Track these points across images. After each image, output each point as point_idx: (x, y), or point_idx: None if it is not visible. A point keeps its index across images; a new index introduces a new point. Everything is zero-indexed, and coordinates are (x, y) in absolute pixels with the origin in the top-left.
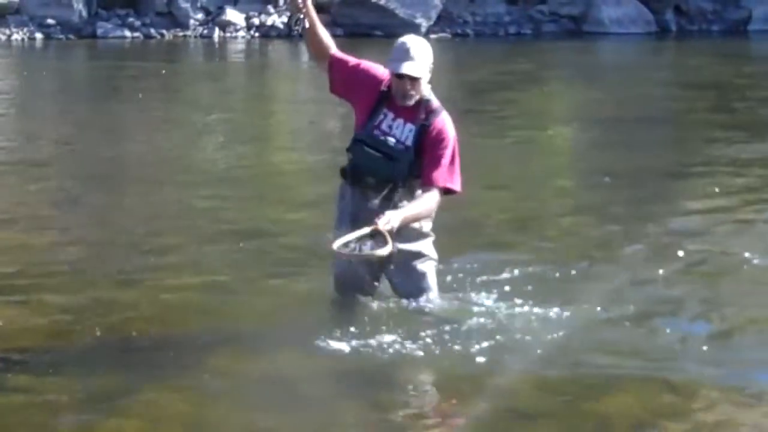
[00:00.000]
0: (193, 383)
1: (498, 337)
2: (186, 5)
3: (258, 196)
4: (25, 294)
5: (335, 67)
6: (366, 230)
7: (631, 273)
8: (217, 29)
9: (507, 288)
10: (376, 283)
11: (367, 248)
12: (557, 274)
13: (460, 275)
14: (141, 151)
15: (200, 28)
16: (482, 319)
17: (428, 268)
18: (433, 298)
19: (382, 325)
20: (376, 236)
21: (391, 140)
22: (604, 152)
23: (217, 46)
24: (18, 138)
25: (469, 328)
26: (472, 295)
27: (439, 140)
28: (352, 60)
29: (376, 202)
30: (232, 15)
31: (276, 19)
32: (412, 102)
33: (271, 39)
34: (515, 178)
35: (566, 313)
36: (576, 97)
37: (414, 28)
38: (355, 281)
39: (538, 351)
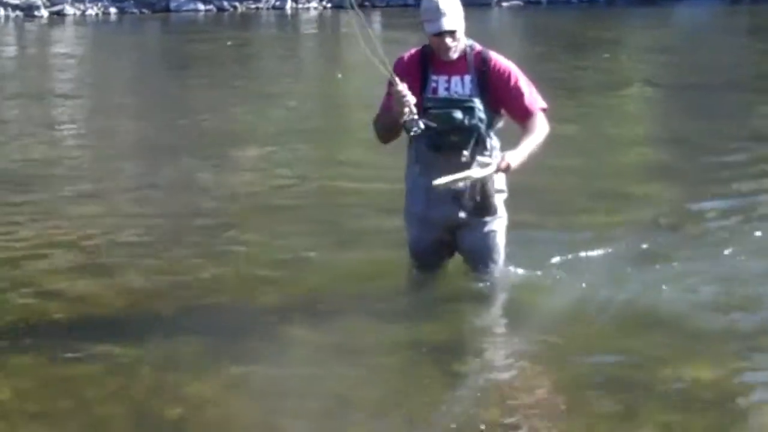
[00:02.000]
0: (266, 354)
1: (562, 311)
2: None
3: (330, 162)
4: (102, 266)
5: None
6: (466, 174)
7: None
8: (289, 1)
9: (576, 261)
10: (448, 249)
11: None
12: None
13: (532, 244)
14: (213, 123)
15: (273, 0)
16: (543, 295)
17: (498, 226)
18: (497, 263)
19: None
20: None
21: (456, 94)
22: (678, 118)
23: (289, 17)
24: (95, 115)
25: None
26: (539, 267)
27: (505, 76)
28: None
29: (464, 159)
30: None
31: None
32: (456, 54)
33: (345, 9)
34: (587, 146)
35: (642, 294)
36: (650, 64)
37: None
38: (427, 248)
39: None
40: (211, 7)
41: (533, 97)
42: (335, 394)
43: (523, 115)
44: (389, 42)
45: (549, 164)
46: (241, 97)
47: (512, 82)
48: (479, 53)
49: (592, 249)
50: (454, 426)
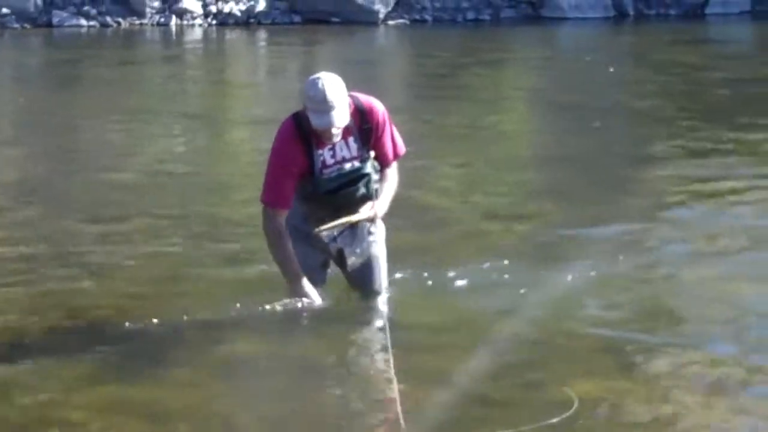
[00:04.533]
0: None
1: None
2: None
3: (210, 185)
4: None
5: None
6: (346, 219)
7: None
8: (174, 17)
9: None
10: (327, 270)
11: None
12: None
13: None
14: (91, 140)
15: (156, 17)
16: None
17: (380, 251)
18: (382, 286)
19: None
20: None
21: (347, 166)
22: (555, 137)
23: (173, 34)
24: None
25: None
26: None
27: (382, 126)
28: (279, 185)
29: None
30: (189, 3)
31: (233, 7)
32: (339, 137)
33: (229, 26)
34: (468, 164)
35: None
36: (530, 83)
37: (371, 15)
38: (309, 269)
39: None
40: (94, 23)
41: (398, 145)
42: (216, 414)
43: (387, 163)
44: (275, 60)
45: (435, 184)
46: (121, 116)
47: (386, 132)
48: (355, 110)
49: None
50: None
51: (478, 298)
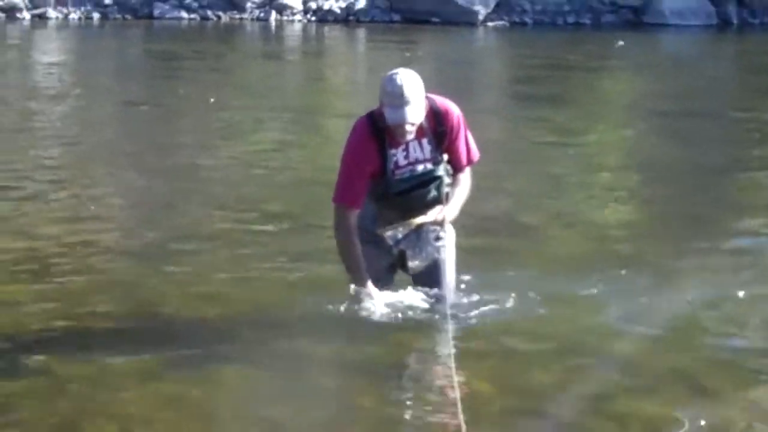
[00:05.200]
0: (209, 372)
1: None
2: None
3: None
4: (45, 275)
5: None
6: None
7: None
8: (274, 12)
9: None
10: (394, 274)
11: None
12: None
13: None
14: (188, 137)
15: (257, 11)
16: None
17: (448, 255)
18: (449, 290)
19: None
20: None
21: (419, 167)
22: (657, 146)
23: (273, 29)
24: (76, 122)
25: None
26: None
27: (456, 130)
28: (352, 184)
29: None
30: None
31: (333, 3)
32: (413, 135)
33: (328, 23)
34: (560, 173)
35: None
36: (632, 89)
37: (471, 16)
38: (375, 272)
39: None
40: (194, 15)
41: (472, 150)
42: (271, 416)
43: (460, 167)
44: (372, 59)
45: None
46: (218, 108)
47: (461, 136)
48: (430, 111)
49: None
50: None
51: (577, 309)
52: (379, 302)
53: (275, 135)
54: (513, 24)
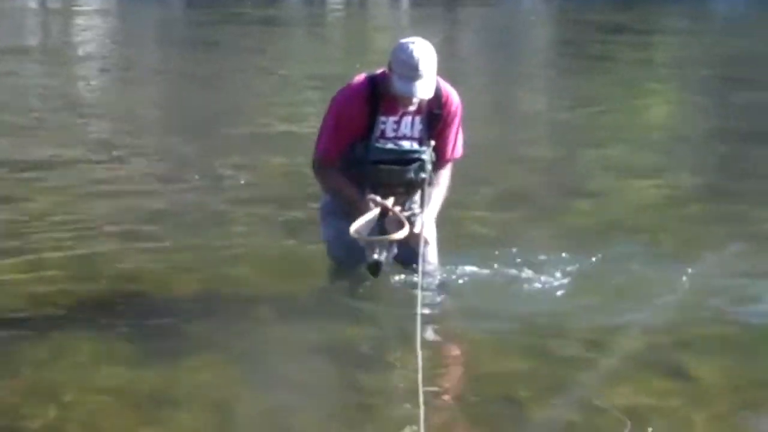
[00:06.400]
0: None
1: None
2: None
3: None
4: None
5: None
6: (375, 213)
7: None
8: None
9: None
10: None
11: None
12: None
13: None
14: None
15: None
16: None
17: (430, 234)
18: (433, 268)
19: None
20: (387, 216)
21: (405, 144)
22: (699, 116)
23: None
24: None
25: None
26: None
27: (453, 118)
28: (332, 140)
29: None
30: None
31: None
32: (416, 106)
33: None
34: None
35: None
36: (682, 54)
37: None
38: (349, 246)
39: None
40: None
41: (458, 146)
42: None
43: (441, 158)
44: (417, 21)
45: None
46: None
47: (454, 126)
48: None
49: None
50: None
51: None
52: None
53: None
54: None
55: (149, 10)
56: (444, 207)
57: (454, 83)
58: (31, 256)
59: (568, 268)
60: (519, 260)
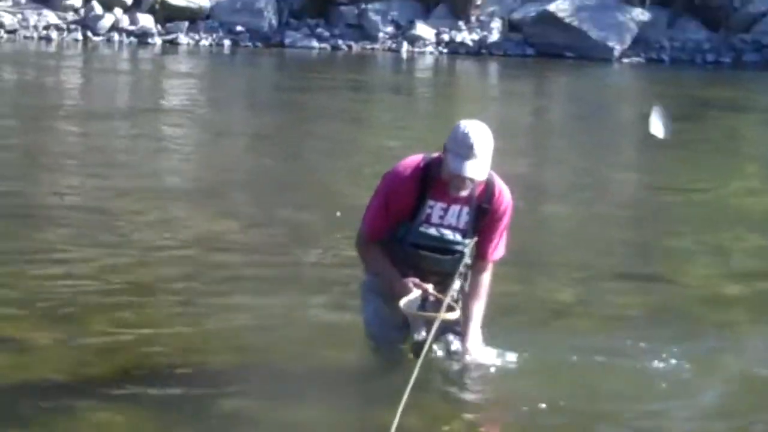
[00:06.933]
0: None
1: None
2: (376, 18)
3: None
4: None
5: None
6: (417, 294)
7: None
8: (405, 43)
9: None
10: (406, 330)
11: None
12: None
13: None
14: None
15: (389, 42)
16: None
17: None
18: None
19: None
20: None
21: (448, 233)
22: None
23: (404, 61)
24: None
25: None
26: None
27: (501, 216)
28: (378, 216)
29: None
30: (422, 30)
31: (466, 36)
32: (467, 192)
33: (460, 56)
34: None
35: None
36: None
37: (606, 51)
38: (387, 328)
39: None
40: (325, 45)
41: (501, 246)
42: None
43: (482, 256)
44: (505, 94)
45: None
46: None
47: (501, 225)
48: (485, 184)
49: None
50: None
51: None
52: (415, 291)
53: None
54: (649, 60)
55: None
56: None
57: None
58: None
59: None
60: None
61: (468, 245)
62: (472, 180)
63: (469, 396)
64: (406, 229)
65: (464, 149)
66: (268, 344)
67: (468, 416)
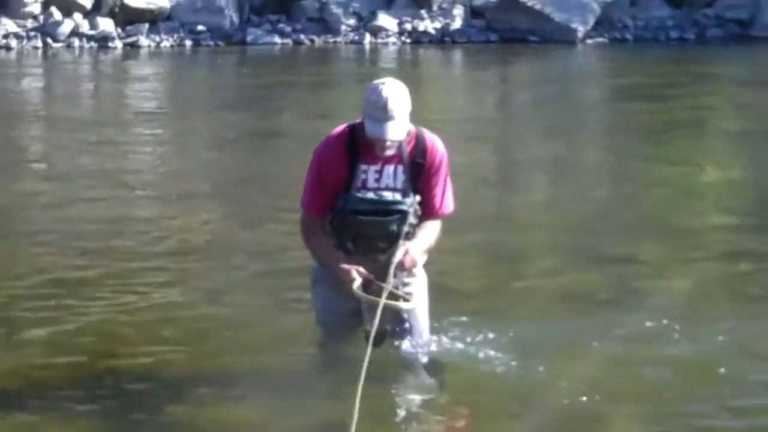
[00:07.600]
0: None
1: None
2: (338, 11)
3: None
4: None
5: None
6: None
7: None
8: (368, 35)
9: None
10: (355, 321)
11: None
12: None
13: None
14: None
15: (351, 34)
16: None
17: (418, 287)
18: (423, 341)
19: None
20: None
21: (387, 194)
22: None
23: (367, 52)
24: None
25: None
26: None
27: (437, 169)
28: (316, 192)
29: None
30: (385, 20)
31: (428, 25)
32: (393, 151)
33: (423, 45)
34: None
35: None
36: (739, 111)
37: (570, 33)
38: (337, 317)
39: None
40: (287, 40)
41: (446, 200)
42: None
43: (430, 213)
44: (470, 81)
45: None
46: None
47: (440, 177)
48: (414, 140)
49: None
50: None
51: None
52: (355, 275)
53: None
54: (613, 40)
55: None
56: None
57: None
58: None
59: None
60: None
61: (409, 203)
62: (392, 141)
63: (425, 381)
64: (344, 200)
65: (379, 111)
66: (227, 345)
67: (423, 402)
